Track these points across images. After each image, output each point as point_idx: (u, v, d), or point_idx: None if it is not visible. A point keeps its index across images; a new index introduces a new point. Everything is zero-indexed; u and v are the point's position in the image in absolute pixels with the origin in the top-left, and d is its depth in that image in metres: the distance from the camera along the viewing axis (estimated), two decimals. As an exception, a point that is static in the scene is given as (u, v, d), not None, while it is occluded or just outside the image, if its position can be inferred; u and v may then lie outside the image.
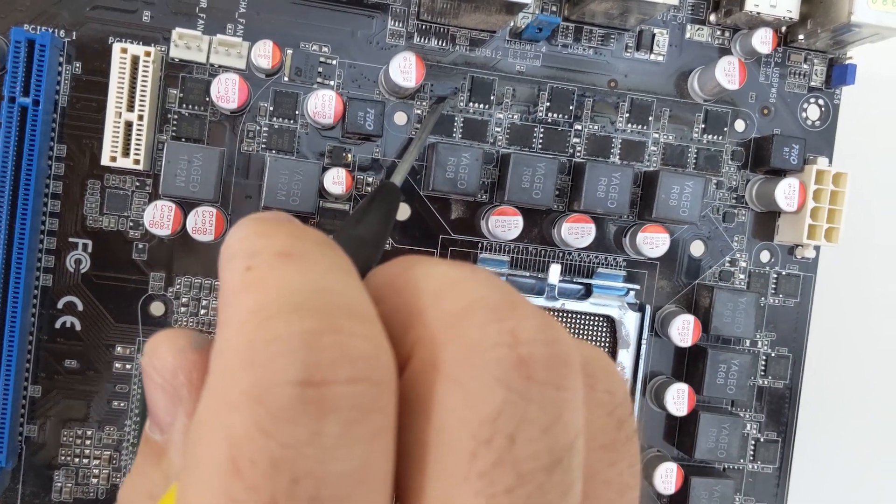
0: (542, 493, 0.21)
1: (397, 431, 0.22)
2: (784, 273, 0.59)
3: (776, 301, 0.59)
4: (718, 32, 0.58)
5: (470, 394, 0.22)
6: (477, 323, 0.22)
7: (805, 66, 0.58)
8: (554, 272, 0.55)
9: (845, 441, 0.65)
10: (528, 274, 0.55)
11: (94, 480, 0.53)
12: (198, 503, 0.20)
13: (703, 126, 0.58)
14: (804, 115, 0.58)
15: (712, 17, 0.57)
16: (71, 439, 0.53)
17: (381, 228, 0.36)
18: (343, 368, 0.21)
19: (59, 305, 0.52)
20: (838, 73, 0.58)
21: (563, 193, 0.56)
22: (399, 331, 0.24)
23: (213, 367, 0.22)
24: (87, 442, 0.53)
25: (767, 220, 0.58)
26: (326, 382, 0.20)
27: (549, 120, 0.56)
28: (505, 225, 0.54)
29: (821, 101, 0.58)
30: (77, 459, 0.53)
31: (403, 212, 0.55)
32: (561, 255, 0.56)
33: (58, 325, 0.52)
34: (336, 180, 0.52)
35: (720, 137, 0.58)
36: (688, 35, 0.57)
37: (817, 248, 0.58)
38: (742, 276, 0.58)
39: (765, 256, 0.59)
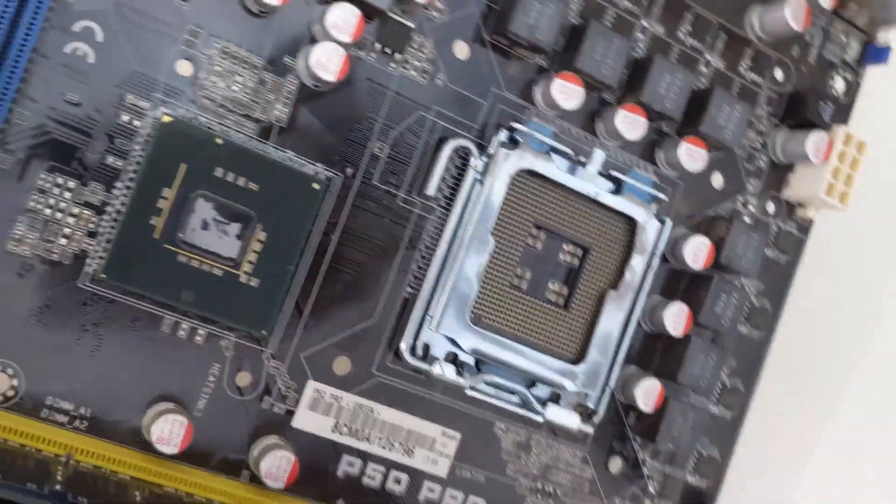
0: None
1: None
2: (784, 228, 0.60)
3: (771, 253, 0.59)
4: (781, -24, 0.59)
5: None
6: None
7: (843, 38, 0.60)
8: (598, 157, 0.53)
9: (806, 397, 0.67)
10: (569, 151, 0.53)
11: (63, 241, 0.44)
12: None
13: (749, 63, 0.58)
14: (831, 83, 0.60)
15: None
16: (49, 185, 0.44)
17: None
18: None
19: (76, 28, 0.44)
20: (873, 53, 0.60)
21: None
22: None
23: None
24: (67, 194, 0.44)
25: (780, 172, 0.59)
26: None
27: (621, 6, 0.55)
28: (567, 92, 0.52)
29: (848, 76, 0.61)
30: (49, 211, 0.44)
31: (462, 50, 0.51)
32: (597, 147, 0.55)
33: (68, 49, 0.44)
34: None
35: (762, 79, 0.58)
36: (753, -33, 0.58)
37: (815, 215, 0.60)
38: (747, 220, 0.59)
39: (770, 207, 0.59)
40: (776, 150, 0.59)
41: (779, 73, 0.59)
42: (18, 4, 0.42)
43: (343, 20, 0.47)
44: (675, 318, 0.55)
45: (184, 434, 0.45)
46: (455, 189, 0.51)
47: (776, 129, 0.59)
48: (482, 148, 0.51)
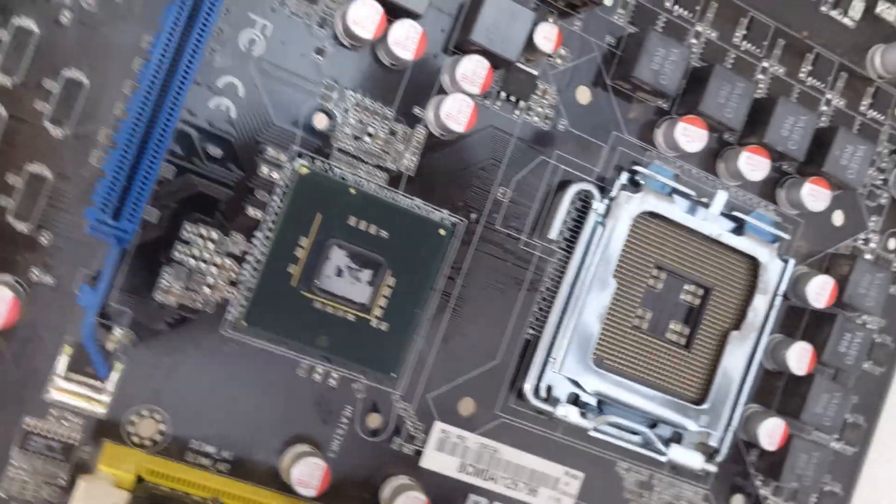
0: None
1: None
2: (906, 264, 0.59)
3: (893, 290, 0.59)
4: (903, 16, 0.58)
5: None
6: None
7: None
8: (721, 198, 0.53)
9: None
10: (692, 193, 0.53)
11: (207, 290, 0.46)
12: None
13: (870, 101, 0.57)
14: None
15: (902, 0, 0.58)
16: (193, 236, 0.46)
17: None
18: None
19: (220, 84, 0.46)
20: None
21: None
22: None
23: None
24: (210, 245, 0.46)
25: (902, 209, 0.59)
26: None
27: (742, 48, 0.55)
28: (691, 135, 0.52)
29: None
30: (193, 261, 0.46)
31: (584, 95, 0.52)
32: (720, 188, 0.55)
33: (212, 104, 0.46)
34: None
35: (883, 117, 0.58)
36: (878, 10, 0.58)
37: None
38: (869, 257, 0.58)
39: (892, 244, 0.59)
40: (898, 187, 0.58)
41: (900, 110, 0.58)
42: (170, 65, 0.44)
43: (473, 72, 0.48)
44: (799, 356, 0.55)
45: (322, 476, 0.47)
46: (576, 232, 0.52)
47: (900, 166, 0.59)
48: (603, 191, 0.52)
